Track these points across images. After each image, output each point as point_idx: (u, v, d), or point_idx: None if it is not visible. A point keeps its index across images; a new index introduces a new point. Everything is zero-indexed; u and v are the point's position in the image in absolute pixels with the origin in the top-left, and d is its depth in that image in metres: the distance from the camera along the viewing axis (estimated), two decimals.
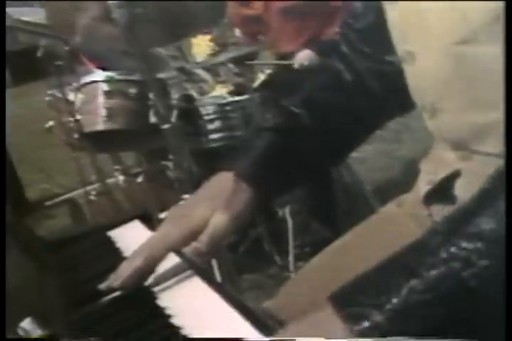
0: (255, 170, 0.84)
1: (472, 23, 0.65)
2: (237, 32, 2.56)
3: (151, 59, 2.24)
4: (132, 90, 2.18)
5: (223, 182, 0.83)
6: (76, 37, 2.03)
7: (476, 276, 0.55)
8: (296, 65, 2.18)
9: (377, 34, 0.87)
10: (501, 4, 0.61)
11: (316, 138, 0.89)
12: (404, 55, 0.79)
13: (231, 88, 2.50)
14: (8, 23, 2.27)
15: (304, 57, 2.21)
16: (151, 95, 2.02)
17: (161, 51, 2.82)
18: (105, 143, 2.33)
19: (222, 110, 2.18)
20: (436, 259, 0.56)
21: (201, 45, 4.11)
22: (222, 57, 2.31)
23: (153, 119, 2.12)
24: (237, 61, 2.25)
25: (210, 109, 2.19)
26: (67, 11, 1.93)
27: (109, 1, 1.43)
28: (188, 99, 2.30)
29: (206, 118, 2.18)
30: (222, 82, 3.07)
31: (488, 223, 0.56)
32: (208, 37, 3.91)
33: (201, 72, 3.56)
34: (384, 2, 0.81)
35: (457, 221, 0.60)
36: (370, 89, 0.91)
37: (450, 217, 0.61)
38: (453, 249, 0.56)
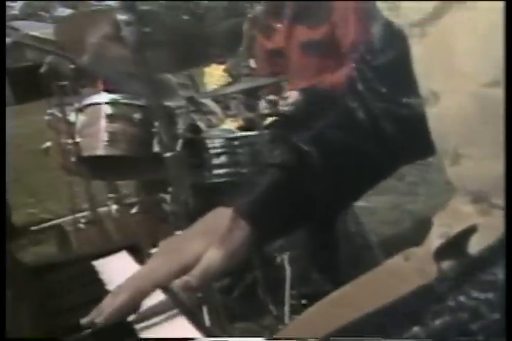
0: (255, 208, 0.83)
1: (503, 64, 0.64)
2: (252, 63, 2.60)
3: (159, 85, 2.26)
4: (137, 115, 2.20)
5: (221, 217, 0.83)
6: (84, 55, 2.04)
7: (485, 329, 0.52)
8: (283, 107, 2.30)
9: (397, 73, 0.86)
10: None
11: (324, 179, 0.88)
12: (427, 95, 0.78)
13: (241, 123, 2.52)
14: (17, 38, 2.30)
15: (292, 97, 2.38)
16: (156, 122, 2.02)
17: (171, 78, 2.85)
18: (103, 170, 2.33)
19: (230, 145, 2.19)
20: (442, 307, 0.53)
21: (214, 75, 4.15)
22: (234, 88, 2.33)
23: (156, 148, 2.12)
24: (250, 93, 2.27)
25: (217, 142, 2.20)
26: (77, 28, 1.96)
27: (118, 18, 1.45)
28: (194, 129, 2.32)
29: (212, 151, 2.18)
30: (233, 116, 3.10)
31: (504, 273, 0.53)
32: (222, 67, 3.97)
33: (211, 104, 3.60)
34: (410, 36, 0.79)
35: (470, 267, 0.58)
36: (384, 131, 0.91)
37: (462, 264, 0.60)
38: (462, 298, 0.53)
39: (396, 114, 0.90)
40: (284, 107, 2.45)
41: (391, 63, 0.89)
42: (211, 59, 3.07)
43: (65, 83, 2.35)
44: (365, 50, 0.95)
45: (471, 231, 0.76)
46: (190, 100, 2.92)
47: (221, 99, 4.07)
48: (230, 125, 2.69)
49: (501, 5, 0.62)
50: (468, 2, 0.66)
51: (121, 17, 1.42)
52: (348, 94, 0.94)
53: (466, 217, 0.77)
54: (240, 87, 2.24)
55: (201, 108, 3.26)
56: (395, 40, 0.83)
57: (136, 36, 1.49)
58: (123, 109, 2.23)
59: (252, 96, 2.43)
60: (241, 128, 2.46)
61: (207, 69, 4.77)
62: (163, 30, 1.87)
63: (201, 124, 2.61)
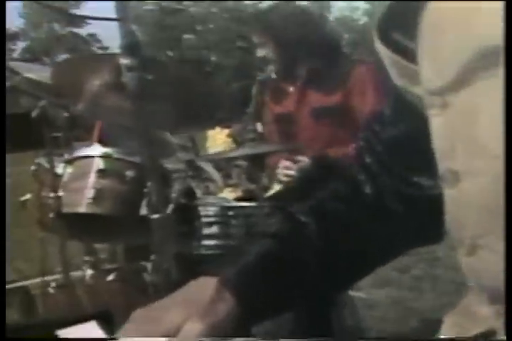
0: (243, 279, 0.81)
1: None
2: (259, 127, 2.62)
3: (157, 142, 2.26)
4: (129, 173, 2.19)
5: (204, 287, 0.80)
6: (80, 103, 2.06)
7: None
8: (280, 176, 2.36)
9: (409, 148, 0.84)
10: None
11: (319, 254, 0.85)
12: (445, 175, 0.73)
13: (240, 194, 2.51)
14: (13, 82, 2.33)
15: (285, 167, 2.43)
16: (148, 183, 2.01)
17: (171, 138, 2.86)
18: (82, 229, 2.29)
19: (224, 214, 2.17)
20: None
21: (217, 139, 4.21)
22: (238, 153, 2.33)
23: (144, 211, 2.10)
24: (254, 160, 2.27)
25: (211, 210, 2.19)
26: (75, 72, 1.97)
27: (120, 62, 1.45)
28: (189, 195, 2.30)
29: (204, 220, 2.17)
30: (232, 186, 3.09)
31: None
32: (227, 131, 4.02)
33: (211, 170, 3.61)
34: (429, 106, 0.74)
35: None
36: (390, 209, 0.88)
37: None
38: None
39: (404, 193, 0.87)
40: (288, 176, 2.46)
41: (402, 137, 0.87)
42: (216, 121, 3.11)
43: (58, 134, 2.35)
44: (374, 120, 0.94)
45: (489, 335, 0.72)
46: (189, 164, 2.93)
47: (222, 166, 4.10)
48: (229, 195, 2.68)
49: None
50: (494, 69, 0.64)
51: (124, 61, 1.43)
52: (355, 166, 0.92)
53: (482, 319, 0.73)
54: (243, 152, 2.24)
55: (200, 173, 3.27)
56: (408, 112, 0.81)
57: (138, 84, 1.49)
58: (116, 164, 2.23)
59: (256, 163, 2.44)
60: (239, 199, 2.45)
61: (210, 133, 4.83)
62: (167, 82, 1.87)
63: (197, 191, 2.60)
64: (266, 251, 0.84)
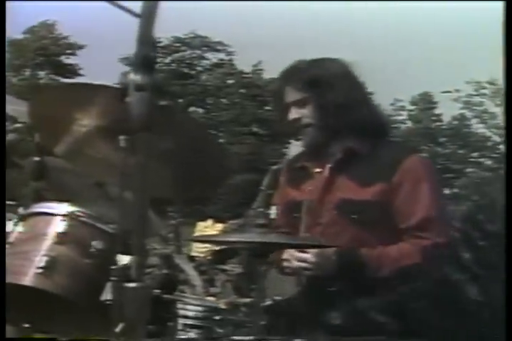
0: None
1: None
2: (273, 212, 2.54)
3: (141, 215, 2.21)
4: (96, 244, 2.14)
5: None
6: (58, 146, 2.02)
7: None
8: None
9: None
10: None
11: None
12: None
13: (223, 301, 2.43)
14: None
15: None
16: (118, 261, 1.94)
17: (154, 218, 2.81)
18: (22, 308, 2.21)
19: (209, 318, 2.11)
20: None
21: (206, 231, 4.18)
22: (236, 238, 2.26)
23: (106, 296, 2.01)
24: (254, 251, 2.19)
25: (192, 311, 2.10)
26: (60, 104, 1.93)
27: (127, 80, 1.39)
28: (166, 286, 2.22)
29: (183, 321, 2.09)
30: (215, 296, 3.01)
31: None
32: (219, 226, 3.99)
33: (191, 271, 3.53)
34: None
35: None
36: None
37: None
38: None
39: None
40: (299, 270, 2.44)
41: None
42: (210, 214, 3.10)
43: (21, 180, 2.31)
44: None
45: None
46: (165, 259, 2.86)
47: (206, 267, 4.02)
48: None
49: None
50: None
51: (132, 78, 1.37)
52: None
53: None
54: (242, 238, 2.15)
55: (176, 273, 3.18)
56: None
57: (145, 111, 1.42)
58: (81, 230, 2.17)
59: (251, 266, 2.33)
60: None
61: (201, 224, 4.80)
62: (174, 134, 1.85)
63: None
64: None
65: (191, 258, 4.18)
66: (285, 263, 2.51)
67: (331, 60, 2.73)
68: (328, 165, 2.63)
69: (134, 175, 1.55)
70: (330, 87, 2.59)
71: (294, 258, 2.46)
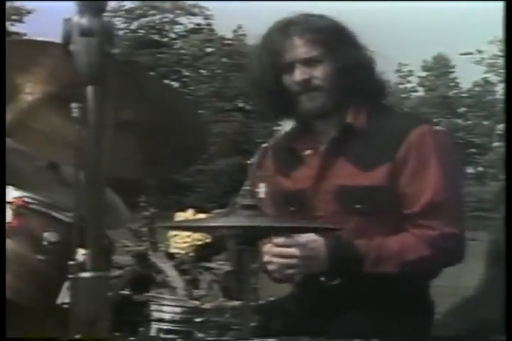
0: None
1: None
2: (262, 190, 2.49)
3: (104, 201, 2.20)
4: (50, 236, 2.13)
5: None
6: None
7: None
8: None
9: None
10: None
11: None
12: None
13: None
14: None
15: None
16: (77, 255, 1.92)
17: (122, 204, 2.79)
18: None
19: (188, 321, 2.11)
20: None
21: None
22: (221, 221, 2.23)
23: (63, 298, 2.01)
24: (243, 240, 2.17)
25: (168, 312, 2.11)
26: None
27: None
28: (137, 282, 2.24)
29: (156, 326, 2.09)
30: (200, 299, 3.03)
31: None
32: (201, 216, 3.98)
33: (170, 272, 3.54)
34: None
35: None
36: None
37: None
38: None
39: None
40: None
41: None
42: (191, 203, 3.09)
43: None
44: None
45: None
46: (140, 258, 2.87)
47: (188, 266, 4.02)
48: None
49: None
50: None
51: (76, 21, 1.34)
52: None
53: None
54: (230, 223, 2.11)
55: (152, 273, 3.18)
56: None
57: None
58: (31, 220, 2.16)
59: (243, 262, 2.30)
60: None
61: (180, 214, 4.80)
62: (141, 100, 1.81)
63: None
64: None
65: (170, 256, 4.18)
66: (269, 266, 2.39)
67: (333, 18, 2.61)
68: (323, 146, 2.56)
69: (88, 152, 1.53)
70: (349, 46, 2.50)
71: (275, 254, 2.36)
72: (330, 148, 2.53)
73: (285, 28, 2.52)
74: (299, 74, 2.49)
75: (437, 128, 2.57)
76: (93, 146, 1.50)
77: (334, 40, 2.48)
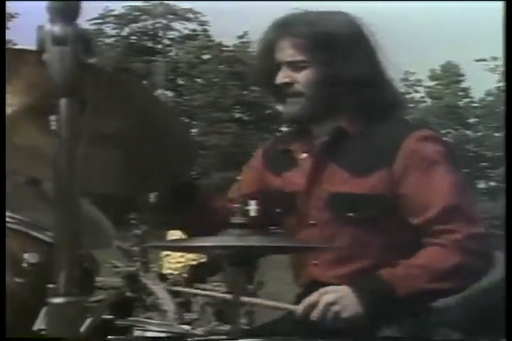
0: None
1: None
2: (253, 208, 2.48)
3: (88, 218, 2.18)
4: (30, 257, 2.11)
5: None
6: None
7: None
8: None
9: None
10: None
11: None
12: None
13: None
14: None
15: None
16: (60, 278, 1.91)
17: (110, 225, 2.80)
18: None
19: None
20: None
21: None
22: (212, 242, 2.22)
23: (40, 325, 1.98)
24: (235, 260, 2.16)
25: None
26: None
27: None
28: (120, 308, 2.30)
29: None
30: (191, 323, 3.02)
31: None
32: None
33: (162, 294, 3.52)
34: None
35: None
36: None
37: None
38: None
39: None
40: None
41: None
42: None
43: None
44: None
45: None
46: (130, 279, 2.87)
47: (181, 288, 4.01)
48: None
49: None
50: None
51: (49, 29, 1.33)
52: None
53: None
54: (220, 242, 2.10)
55: (142, 295, 3.17)
56: None
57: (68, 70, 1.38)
58: (10, 240, 2.12)
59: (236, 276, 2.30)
60: None
61: (172, 233, 4.78)
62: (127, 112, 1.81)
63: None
64: None
65: (163, 277, 4.16)
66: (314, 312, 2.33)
67: (344, 15, 2.62)
68: (314, 150, 2.59)
69: (60, 166, 1.52)
70: (341, 53, 2.50)
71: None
72: (321, 152, 2.56)
73: (278, 28, 2.57)
74: (281, 76, 2.54)
75: (435, 133, 2.63)
76: (65, 160, 1.50)
77: (325, 46, 2.49)
